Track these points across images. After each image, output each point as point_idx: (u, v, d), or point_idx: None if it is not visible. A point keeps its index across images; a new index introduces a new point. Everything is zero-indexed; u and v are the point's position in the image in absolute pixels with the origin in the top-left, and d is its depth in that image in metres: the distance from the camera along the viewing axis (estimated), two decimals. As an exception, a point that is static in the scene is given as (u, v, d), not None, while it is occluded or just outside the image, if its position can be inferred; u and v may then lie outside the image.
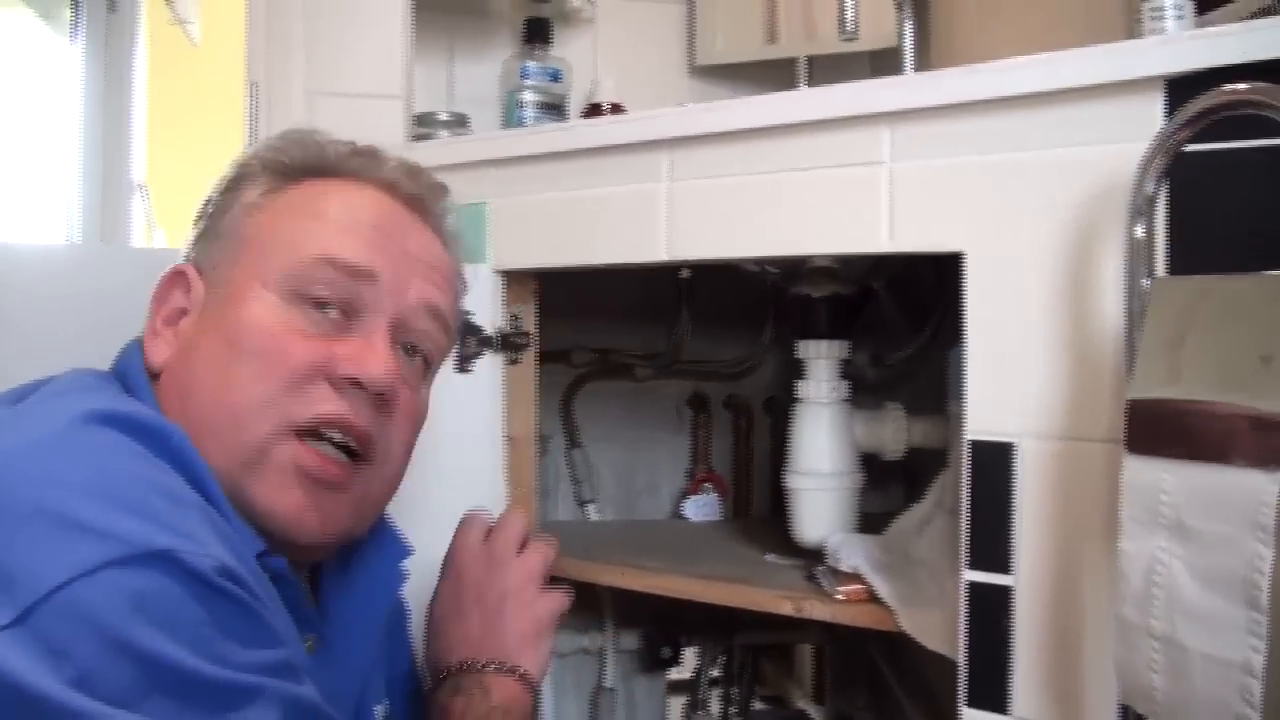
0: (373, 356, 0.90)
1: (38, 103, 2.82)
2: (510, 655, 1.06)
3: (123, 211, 2.76)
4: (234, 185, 0.97)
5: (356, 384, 0.89)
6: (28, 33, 2.77)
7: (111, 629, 0.64)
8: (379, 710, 1.02)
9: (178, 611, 0.67)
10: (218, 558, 0.71)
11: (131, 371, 0.90)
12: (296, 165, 0.98)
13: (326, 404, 0.89)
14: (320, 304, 0.91)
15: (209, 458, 0.83)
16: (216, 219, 0.96)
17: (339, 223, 0.94)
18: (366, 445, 0.91)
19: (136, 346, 0.93)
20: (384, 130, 1.49)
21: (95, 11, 2.72)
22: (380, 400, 0.91)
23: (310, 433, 0.89)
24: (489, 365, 1.37)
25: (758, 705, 2.08)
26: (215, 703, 0.67)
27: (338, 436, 0.89)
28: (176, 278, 0.95)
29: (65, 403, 0.79)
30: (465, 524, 1.16)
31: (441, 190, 1.04)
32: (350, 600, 1.00)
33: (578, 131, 1.33)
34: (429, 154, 1.41)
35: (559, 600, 1.14)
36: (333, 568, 1.01)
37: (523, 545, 1.15)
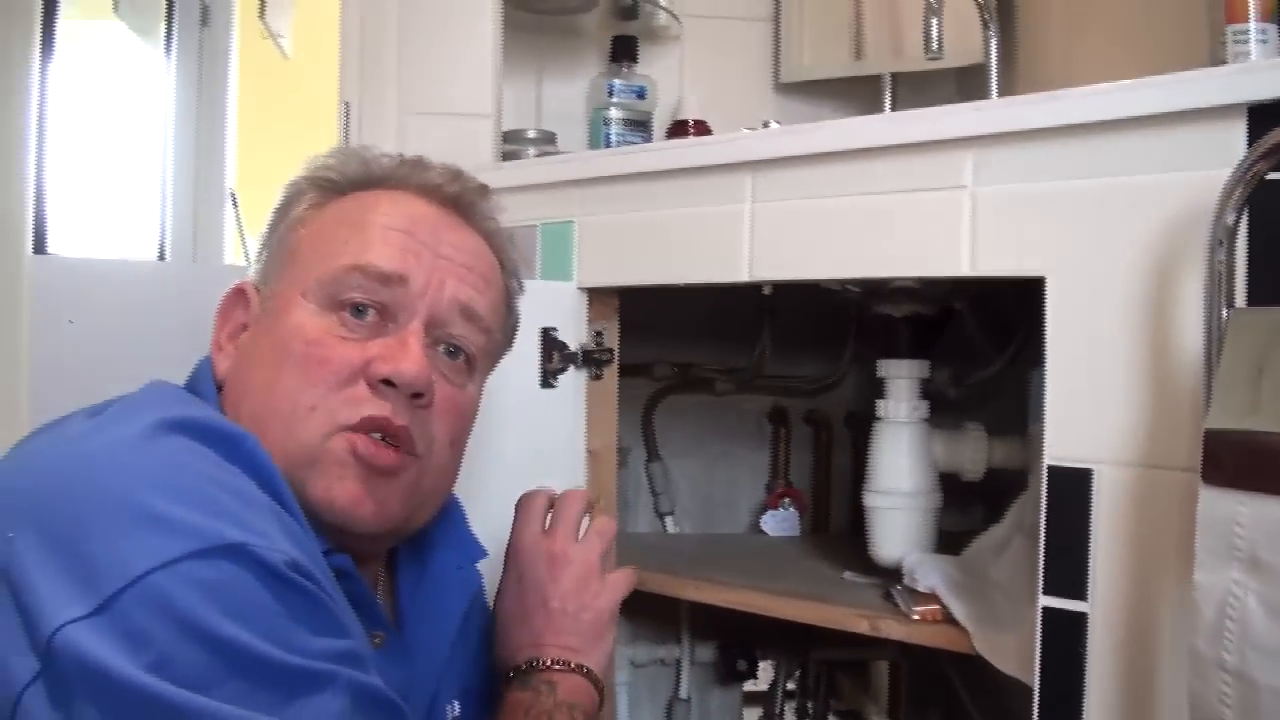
0: (405, 356, 0.93)
1: (132, 116, 2.89)
2: (575, 652, 1.08)
3: (215, 222, 2.82)
4: (285, 205, 1.02)
5: (390, 383, 0.92)
6: (122, 47, 2.84)
7: (188, 617, 0.68)
8: (451, 710, 1.04)
9: (250, 601, 0.71)
10: (287, 552, 0.74)
11: (201, 384, 0.96)
12: (343, 180, 1.02)
13: (367, 405, 0.92)
14: (356, 309, 0.94)
15: (273, 450, 0.87)
16: (270, 237, 1.02)
17: (371, 230, 0.97)
18: (408, 442, 0.94)
19: (206, 361, 0.98)
20: (473, 149, 1.52)
21: (188, 26, 2.79)
22: (416, 397, 0.94)
23: (355, 432, 0.92)
24: (572, 380, 1.39)
25: (833, 720, 2.08)
26: (287, 687, 0.70)
27: (378, 436, 0.92)
28: (237, 295, 1.00)
29: (141, 413, 0.82)
30: (523, 512, 1.16)
31: (484, 191, 1.06)
32: (425, 600, 1.04)
33: (662, 153, 1.35)
34: (516, 174, 1.44)
35: (621, 584, 1.15)
36: (409, 568, 1.05)
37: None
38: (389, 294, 0.95)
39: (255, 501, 0.79)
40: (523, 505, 1.16)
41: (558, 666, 1.06)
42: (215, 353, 0.98)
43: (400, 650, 0.98)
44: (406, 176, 1.02)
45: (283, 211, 1.02)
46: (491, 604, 1.14)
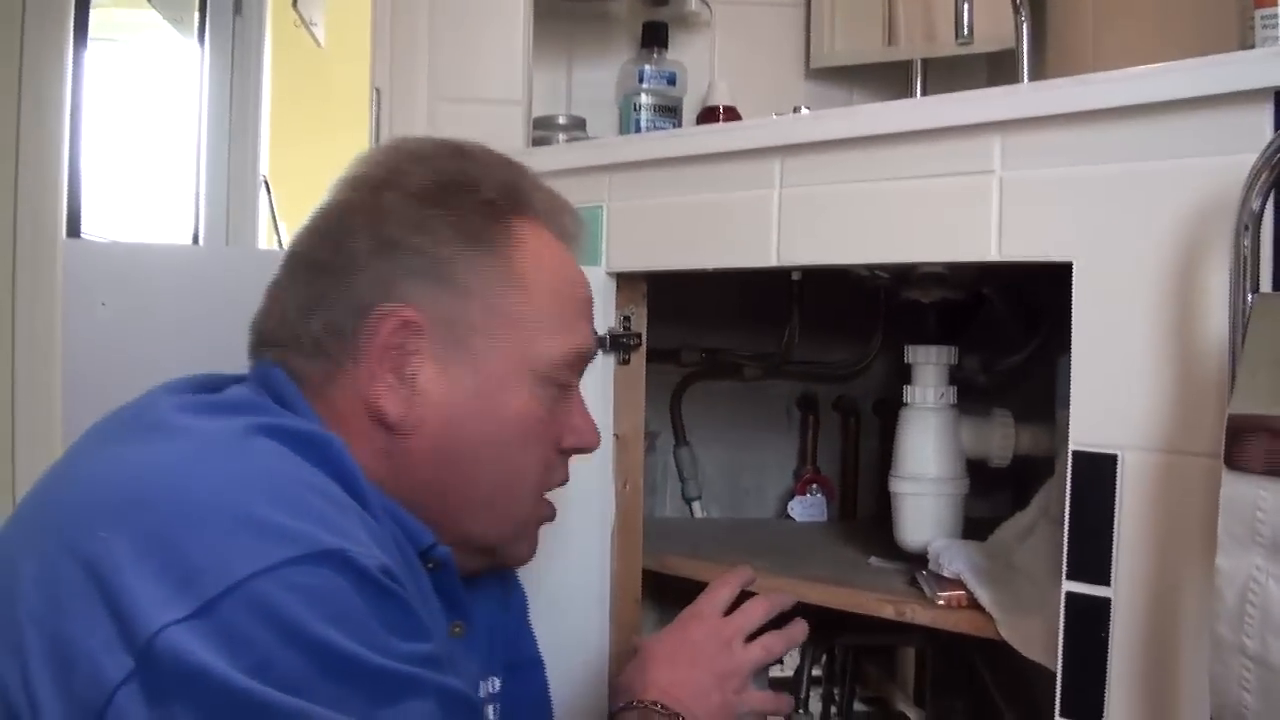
0: (592, 430, 1.05)
1: (166, 104, 2.92)
2: (691, 716, 1.09)
3: (249, 209, 2.84)
4: (476, 235, 0.94)
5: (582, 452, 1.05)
6: (155, 35, 2.86)
7: (289, 621, 0.69)
8: (486, 684, 1.06)
9: (347, 606, 0.72)
10: (379, 558, 0.76)
11: (287, 392, 0.90)
12: (504, 205, 0.98)
13: (563, 473, 1.05)
14: (565, 386, 1.00)
15: (472, 523, 0.97)
16: (453, 266, 0.93)
17: (583, 307, 1.03)
18: None
19: (280, 372, 0.92)
20: (504, 135, 1.53)
21: (221, 14, 2.80)
22: None
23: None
24: (600, 365, 1.39)
25: (859, 706, 2.09)
26: (381, 692, 0.72)
27: None
28: (406, 326, 0.91)
29: (226, 418, 0.84)
30: (716, 585, 1.25)
31: None
32: (477, 587, 1.05)
33: (690, 138, 1.35)
34: (546, 159, 1.45)
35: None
36: None
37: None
38: None
39: (345, 506, 0.80)
40: (718, 581, 1.25)
41: (674, 716, 1.08)
42: (373, 385, 0.91)
43: (474, 638, 1.00)
44: (570, 229, 1.04)
45: (474, 244, 0.94)
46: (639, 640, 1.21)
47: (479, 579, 1.06)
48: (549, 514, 1.05)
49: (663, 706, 1.07)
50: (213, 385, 0.93)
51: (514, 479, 0.98)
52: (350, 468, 0.85)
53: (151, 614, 0.68)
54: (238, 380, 0.95)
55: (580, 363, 1.01)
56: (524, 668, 1.14)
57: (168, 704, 0.67)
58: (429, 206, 0.93)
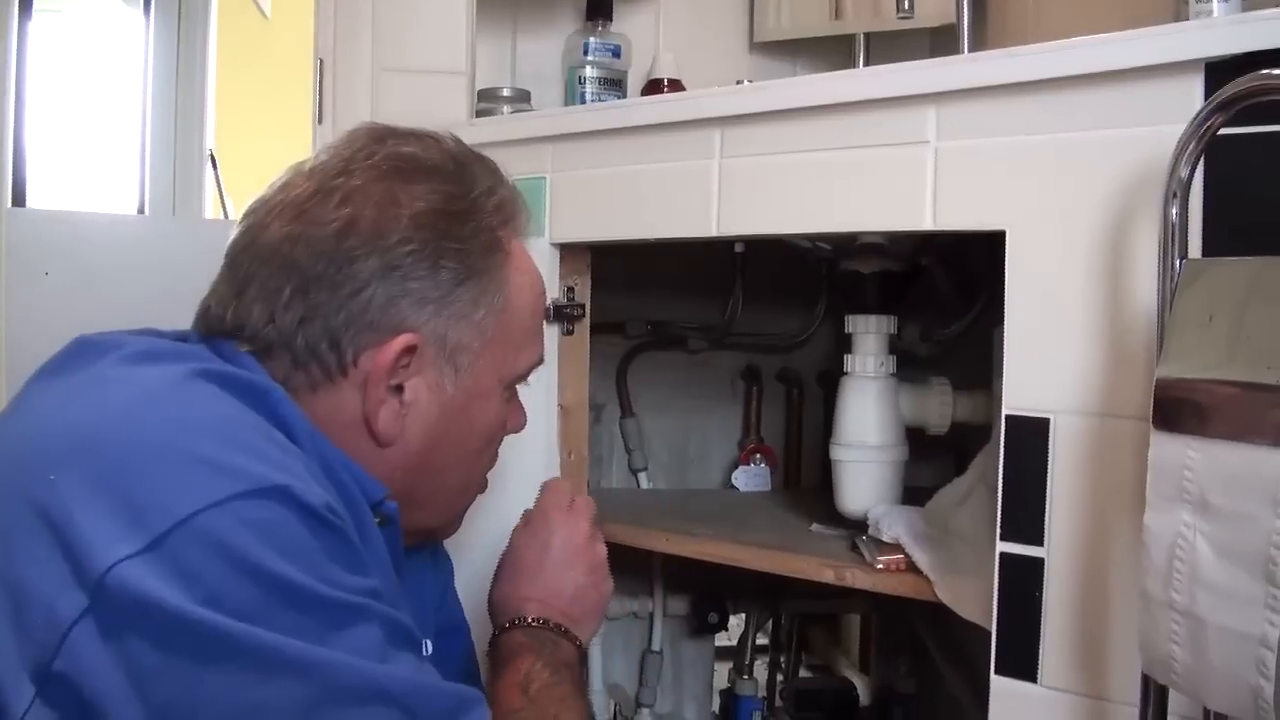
0: (523, 415, 1.12)
1: (111, 75, 2.89)
2: (575, 624, 1.12)
3: (195, 182, 2.82)
4: (477, 265, 0.97)
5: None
6: (100, 5, 2.83)
7: (239, 553, 0.71)
8: (424, 648, 1.07)
9: (294, 539, 0.74)
10: (321, 494, 0.78)
11: (283, 408, 0.88)
12: (508, 225, 1.03)
13: (497, 457, 1.10)
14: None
15: (429, 516, 1.04)
16: (455, 294, 0.96)
17: (541, 319, 1.10)
18: None
19: (293, 408, 0.90)
20: (447, 106, 1.53)
21: (168, -15, 2.78)
22: None
23: None
24: (544, 335, 1.40)
25: (804, 673, 2.12)
26: (331, 619, 0.74)
27: None
28: (408, 353, 0.94)
29: (166, 364, 0.85)
30: (553, 485, 1.27)
31: None
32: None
33: (632, 109, 1.36)
34: (490, 130, 1.45)
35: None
36: None
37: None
38: None
39: (285, 447, 0.82)
40: (551, 485, 1.25)
41: (562, 632, 1.09)
42: (369, 403, 0.93)
43: (404, 595, 1.01)
44: (526, 220, 1.07)
45: (486, 272, 0.98)
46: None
47: (410, 547, 1.08)
48: (483, 490, 1.12)
49: (550, 623, 1.09)
50: (153, 336, 0.94)
51: (472, 478, 1.08)
52: (291, 416, 0.87)
53: (103, 551, 0.69)
54: (180, 338, 0.96)
55: (530, 370, 1.08)
56: (452, 632, 1.17)
57: (123, 638, 0.68)
58: (436, 236, 0.95)
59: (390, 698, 0.74)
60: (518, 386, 1.08)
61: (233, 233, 0.97)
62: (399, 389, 0.94)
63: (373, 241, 0.92)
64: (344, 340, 0.92)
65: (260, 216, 0.95)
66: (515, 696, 0.98)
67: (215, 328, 0.94)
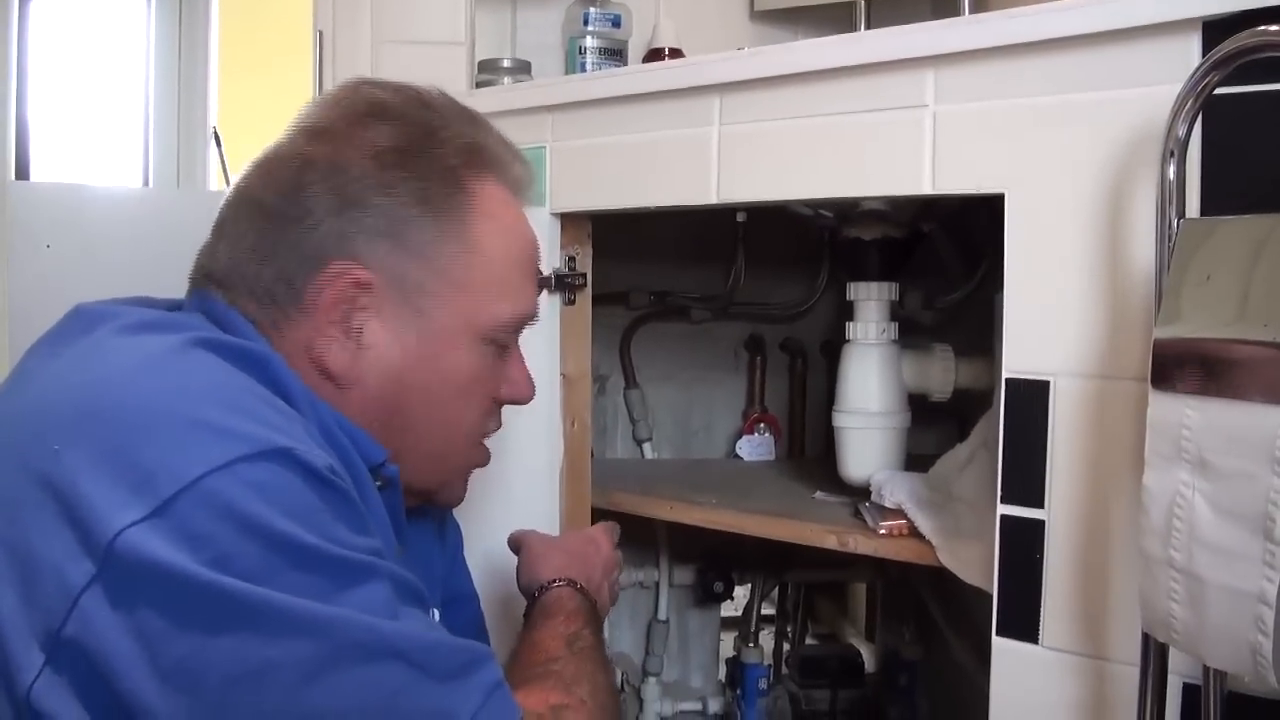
0: (527, 382, 1.08)
1: (115, 50, 2.88)
2: (594, 588, 1.14)
3: (199, 157, 2.82)
4: (435, 201, 0.95)
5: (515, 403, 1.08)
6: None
7: (245, 515, 0.71)
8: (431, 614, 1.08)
9: (299, 500, 0.75)
10: (324, 456, 0.79)
11: (274, 372, 0.88)
12: (465, 164, 0.98)
13: (497, 420, 1.08)
14: (504, 344, 1.03)
15: (409, 467, 0.97)
16: (409, 229, 0.94)
17: (531, 270, 1.05)
18: None
19: (238, 315, 0.92)
20: (447, 77, 1.52)
21: (169, -41, 2.78)
22: None
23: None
24: (545, 305, 1.40)
25: (810, 641, 2.13)
26: (339, 578, 0.74)
27: None
28: (359, 287, 0.92)
29: (164, 333, 0.85)
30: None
31: None
32: (413, 514, 1.07)
33: (630, 77, 1.36)
34: (490, 100, 1.44)
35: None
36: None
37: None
38: None
39: (286, 412, 0.82)
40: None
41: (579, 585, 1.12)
42: (319, 339, 0.92)
43: (411, 566, 1.02)
44: (520, 181, 1.04)
45: (422, 205, 0.94)
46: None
47: (422, 515, 1.09)
48: (483, 459, 1.08)
49: (589, 595, 1.11)
50: (147, 305, 0.94)
51: (448, 432, 1.01)
52: (289, 382, 0.87)
53: (110, 517, 0.69)
54: (174, 306, 0.96)
55: (522, 324, 1.04)
56: (459, 602, 1.18)
57: (132, 603, 0.69)
58: (391, 168, 0.93)
59: (400, 654, 0.74)
60: (518, 348, 1.06)
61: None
62: (358, 331, 0.93)
63: (329, 176, 0.92)
64: (298, 275, 0.91)
65: (244, 171, 0.97)
66: (559, 645, 1.00)
67: (197, 278, 0.96)
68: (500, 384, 1.04)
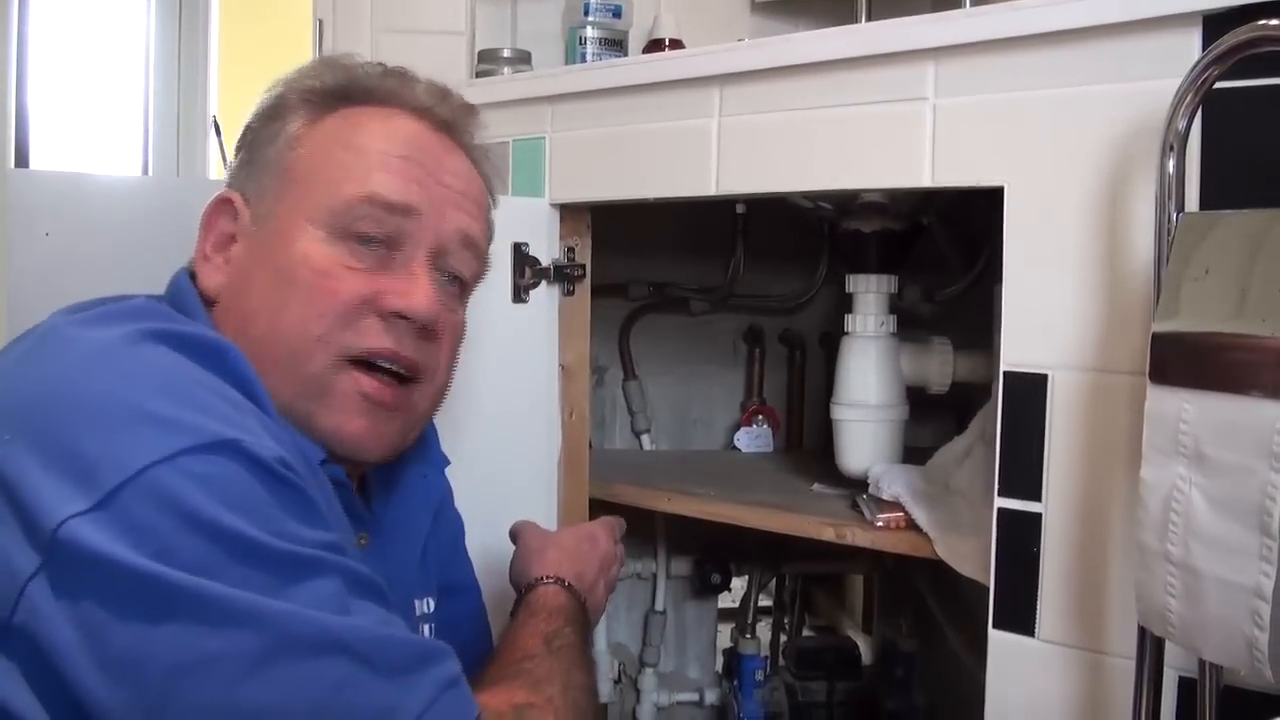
0: (417, 291, 0.95)
1: (116, 40, 2.88)
2: (594, 612, 1.13)
3: (199, 147, 2.82)
4: (272, 115, 1.00)
5: (402, 316, 0.94)
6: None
7: (189, 508, 0.71)
8: (420, 604, 1.08)
9: (245, 493, 0.74)
10: (274, 449, 0.77)
11: (185, 298, 0.94)
12: (331, 91, 1.00)
13: (376, 338, 0.93)
14: (364, 239, 0.94)
15: (271, 384, 0.88)
16: (258, 148, 0.99)
17: (378, 158, 0.96)
18: (415, 371, 0.97)
19: (186, 275, 0.97)
20: (447, 66, 1.52)
21: (169, -52, 2.77)
22: (424, 329, 0.96)
23: (362, 362, 0.94)
24: (544, 296, 1.40)
25: (807, 633, 2.13)
26: (285, 572, 0.73)
27: (388, 365, 0.94)
28: (222, 204, 0.97)
29: (122, 323, 0.84)
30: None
31: (472, 111, 1.06)
32: (396, 503, 1.07)
33: (630, 68, 1.36)
34: (488, 91, 1.45)
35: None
36: (378, 477, 1.07)
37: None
38: (395, 224, 0.95)
39: (239, 404, 0.81)
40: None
41: (584, 606, 1.11)
42: (201, 264, 0.96)
43: (379, 552, 1.01)
44: (395, 92, 1.01)
45: (268, 121, 0.99)
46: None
47: (408, 503, 1.08)
48: (368, 387, 0.94)
49: (579, 594, 1.10)
50: (115, 301, 0.94)
51: (290, 326, 0.92)
52: (245, 373, 0.86)
53: (54, 509, 0.69)
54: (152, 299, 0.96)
55: (369, 210, 0.94)
56: (458, 592, 1.16)
57: (74, 594, 0.69)
58: (264, 101, 1.00)
59: (345, 647, 0.74)
60: (420, 265, 0.97)
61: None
62: (227, 252, 0.97)
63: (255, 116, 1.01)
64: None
65: None
66: (536, 643, 0.99)
67: None
68: (382, 291, 0.94)
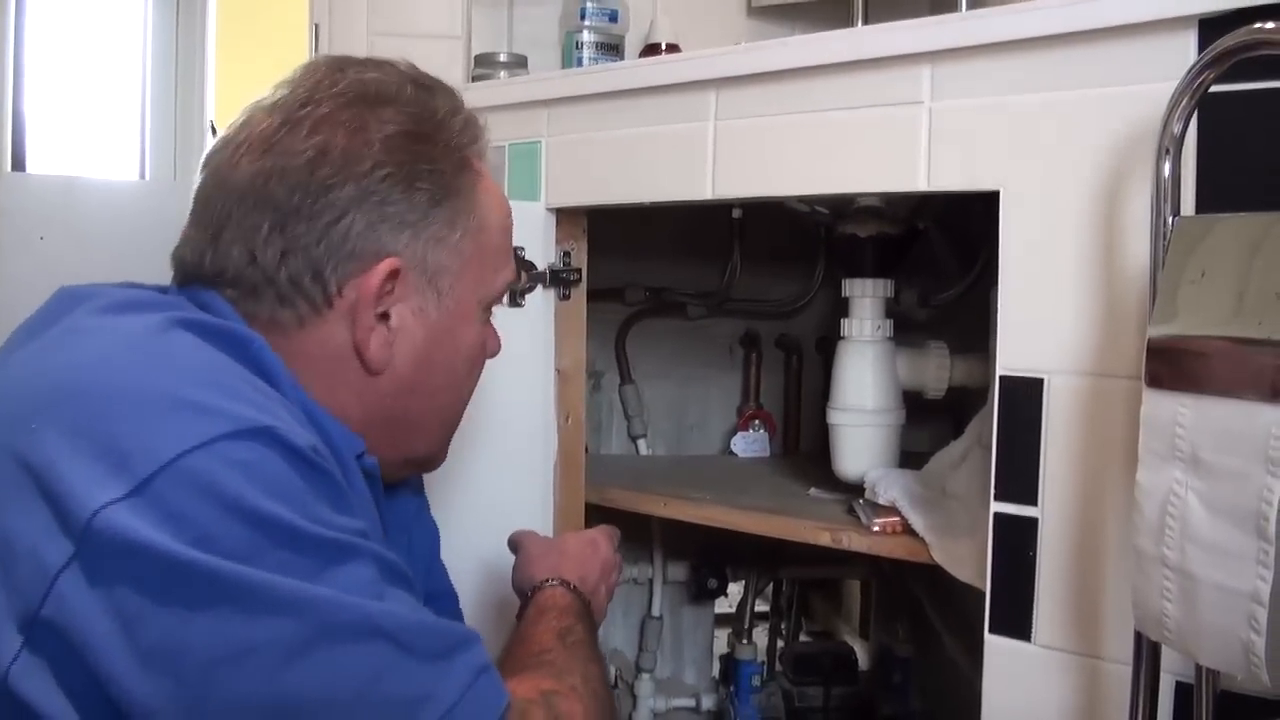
0: (499, 341, 1.09)
1: (113, 45, 2.88)
2: (590, 589, 1.14)
3: (196, 152, 2.82)
4: (449, 185, 0.96)
5: None
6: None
7: (227, 494, 0.71)
8: None
9: (282, 479, 0.74)
10: (306, 436, 0.78)
11: (272, 368, 0.87)
12: (476, 148, 1.01)
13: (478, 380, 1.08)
14: None
15: (421, 444, 1.03)
16: (430, 215, 0.94)
17: (509, 237, 1.06)
18: None
19: (262, 342, 0.88)
20: (443, 70, 1.48)
21: (166, -47, 2.78)
22: None
23: None
24: (540, 300, 1.40)
25: (804, 639, 2.13)
26: (324, 557, 0.73)
27: None
28: (393, 275, 0.93)
29: (144, 314, 0.84)
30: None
31: None
32: (391, 505, 1.06)
33: (626, 71, 1.36)
34: (485, 94, 1.44)
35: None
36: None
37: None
38: None
39: (268, 393, 0.82)
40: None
41: (574, 585, 1.12)
42: (359, 331, 0.92)
43: (391, 547, 1.02)
44: (488, 151, 1.04)
45: (454, 193, 0.96)
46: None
47: (401, 505, 1.09)
48: None
49: (584, 597, 1.11)
50: (132, 287, 0.93)
51: (460, 399, 1.06)
52: (271, 364, 0.86)
53: (89, 496, 0.69)
54: (162, 290, 0.94)
55: (504, 291, 1.06)
56: (439, 598, 1.16)
57: (110, 582, 0.68)
58: (408, 158, 0.93)
59: (385, 633, 0.74)
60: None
61: (197, 179, 0.96)
62: (385, 316, 0.93)
63: (347, 168, 0.90)
64: (327, 271, 0.90)
65: (226, 156, 0.93)
66: (550, 639, 1.01)
67: (193, 275, 0.92)
68: (485, 341, 1.06)
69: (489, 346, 1.07)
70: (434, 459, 1.09)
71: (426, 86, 0.99)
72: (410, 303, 0.95)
